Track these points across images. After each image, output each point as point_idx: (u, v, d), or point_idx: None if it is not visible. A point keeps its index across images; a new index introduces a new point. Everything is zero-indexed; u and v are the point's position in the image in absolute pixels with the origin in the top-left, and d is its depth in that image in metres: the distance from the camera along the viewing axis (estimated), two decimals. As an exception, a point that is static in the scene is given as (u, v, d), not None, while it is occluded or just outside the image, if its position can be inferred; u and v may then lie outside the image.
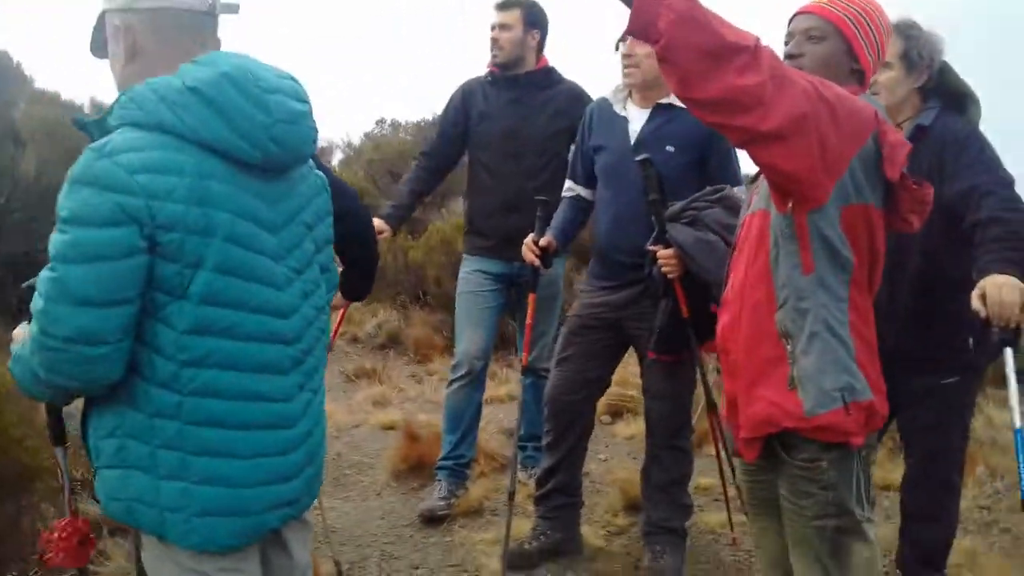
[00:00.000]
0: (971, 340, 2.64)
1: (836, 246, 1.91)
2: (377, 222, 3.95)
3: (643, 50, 3.14)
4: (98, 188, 1.46)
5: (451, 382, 4.00)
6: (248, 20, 1.83)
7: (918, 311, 2.64)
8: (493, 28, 3.95)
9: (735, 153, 3.33)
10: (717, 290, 2.87)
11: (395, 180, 10.97)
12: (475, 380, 3.97)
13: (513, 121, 3.94)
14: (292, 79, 1.73)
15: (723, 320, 2.11)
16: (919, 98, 2.70)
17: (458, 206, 8.76)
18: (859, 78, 2.04)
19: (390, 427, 5.36)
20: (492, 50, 3.96)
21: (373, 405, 5.94)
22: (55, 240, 1.49)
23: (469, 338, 3.96)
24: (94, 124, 1.64)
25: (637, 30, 1.72)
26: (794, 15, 2.11)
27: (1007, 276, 2.16)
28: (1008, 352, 2.28)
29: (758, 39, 1.74)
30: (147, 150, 1.51)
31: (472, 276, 4.05)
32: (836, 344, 1.92)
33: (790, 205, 1.88)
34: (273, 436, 1.69)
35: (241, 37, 1.80)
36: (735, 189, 3.11)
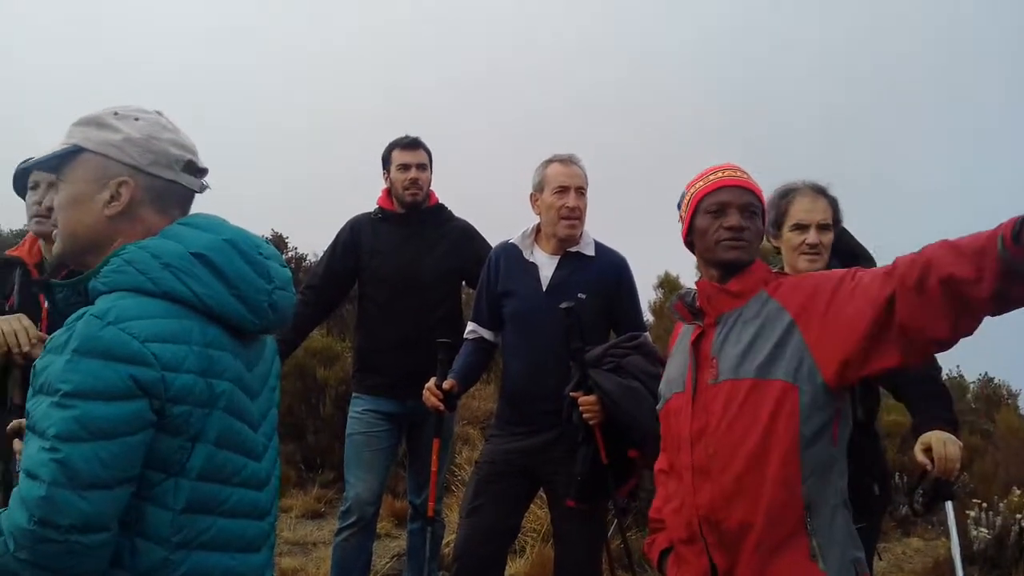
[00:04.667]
0: (876, 487, 2.78)
1: (849, 421, 2.02)
2: None
3: (583, 203, 3.27)
4: (108, 359, 1.35)
5: (340, 530, 3.76)
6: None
7: None
8: (408, 168, 3.93)
9: (639, 301, 3.46)
10: (638, 435, 2.93)
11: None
12: (366, 528, 3.77)
13: (408, 259, 3.90)
14: (270, 243, 1.71)
15: (710, 490, 2.03)
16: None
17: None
18: None
19: (252, 575, 4.95)
20: (411, 190, 3.92)
21: (227, 549, 5.48)
22: (54, 417, 1.33)
23: (362, 482, 3.77)
24: (66, 286, 1.53)
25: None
26: (723, 185, 2.15)
27: (947, 433, 2.33)
28: (949, 505, 2.44)
29: None
30: (155, 318, 1.42)
31: (364, 416, 3.88)
32: (848, 516, 1.98)
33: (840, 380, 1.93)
34: None
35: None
36: (645, 335, 3.21)
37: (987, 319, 1.70)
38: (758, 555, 1.95)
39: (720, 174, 2.18)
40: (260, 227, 12.64)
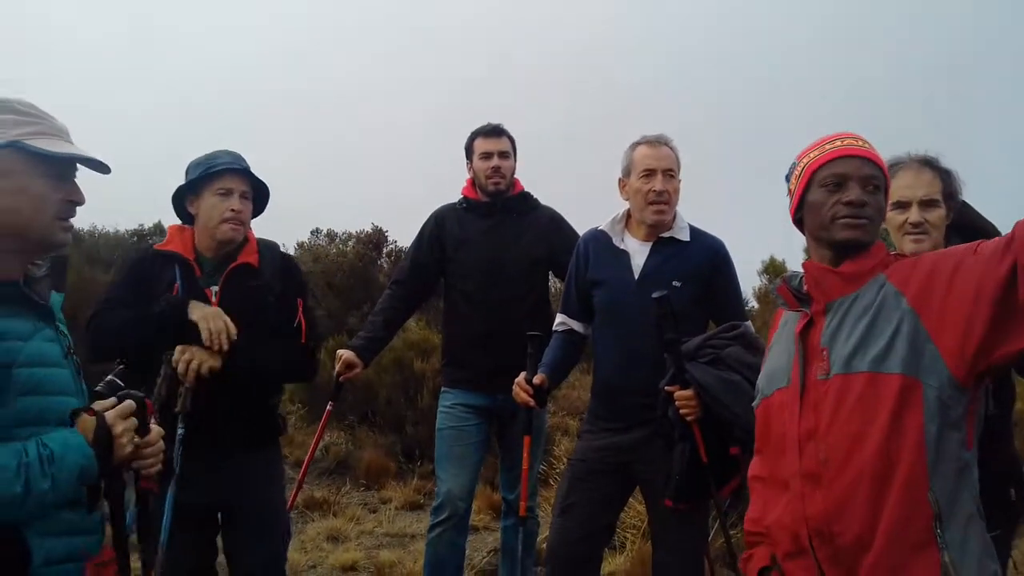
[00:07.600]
0: (1013, 492, 2.53)
1: (983, 421, 1.80)
2: (348, 355, 3.75)
3: (673, 186, 3.09)
4: None
5: (433, 526, 3.70)
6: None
7: None
8: (491, 156, 3.83)
9: (739, 288, 3.26)
10: (740, 432, 2.74)
11: (331, 291, 10.75)
12: (459, 524, 3.69)
13: (493, 249, 3.80)
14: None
15: (822, 498, 1.82)
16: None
17: (410, 322, 8.55)
18: None
19: (351, 567, 4.98)
20: (493, 178, 3.82)
21: (328, 541, 5.54)
22: None
23: (453, 477, 3.70)
24: None
25: None
26: (841, 155, 1.93)
27: None
28: None
29: None
30: None
31: (454, 410, 3.80)
32: (983, 526, 1.75)
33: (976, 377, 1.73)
34: None
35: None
36: (746, 324, 3.01)
37: None
38: (879, 572, 1.73)
39: (839, 143, 1.95)
40: (362, 223, 12.84)
